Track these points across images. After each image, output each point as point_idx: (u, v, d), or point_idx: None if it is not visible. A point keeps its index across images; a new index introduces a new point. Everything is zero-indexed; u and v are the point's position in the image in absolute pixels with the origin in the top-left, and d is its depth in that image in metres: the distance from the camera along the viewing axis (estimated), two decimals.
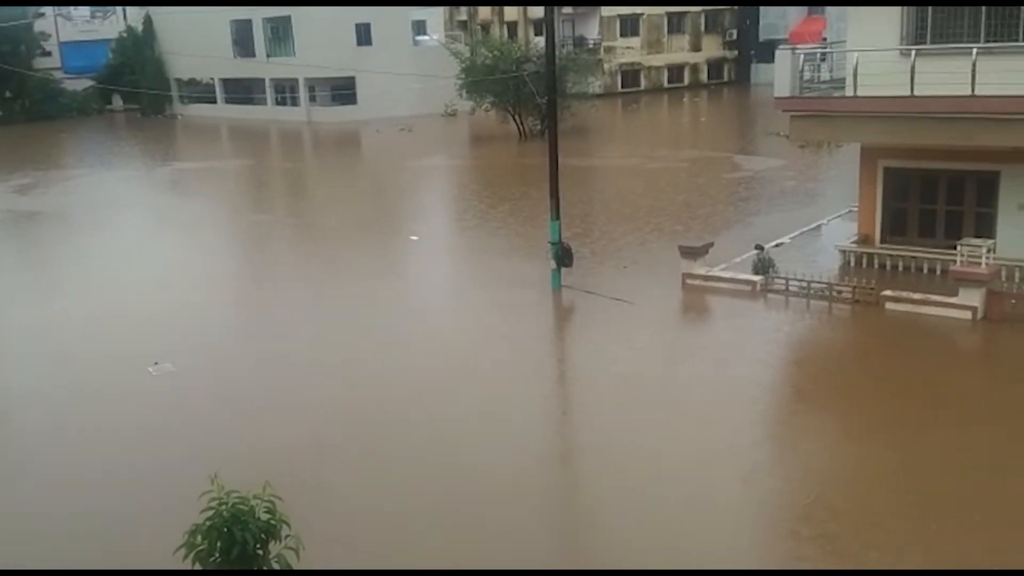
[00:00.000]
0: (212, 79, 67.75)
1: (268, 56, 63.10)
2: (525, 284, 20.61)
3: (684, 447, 12.47)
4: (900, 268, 20.13)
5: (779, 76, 19.89)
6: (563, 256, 19.94)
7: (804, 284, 18.82)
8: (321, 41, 58.54)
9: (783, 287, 19.12)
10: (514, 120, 48.68)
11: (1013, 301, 16.93)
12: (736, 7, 72.95)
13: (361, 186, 38.20)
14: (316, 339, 17.71)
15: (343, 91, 61.73)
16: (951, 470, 11.67)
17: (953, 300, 17.23)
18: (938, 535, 10.21)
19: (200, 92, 68.83)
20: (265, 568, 6.84)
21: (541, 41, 40.28)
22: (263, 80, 64.31)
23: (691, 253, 20.29)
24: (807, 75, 20.50)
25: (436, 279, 23.16)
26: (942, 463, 11.89)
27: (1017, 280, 18.15)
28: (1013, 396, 13.98)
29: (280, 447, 12.81)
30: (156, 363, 16.11)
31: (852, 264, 20.74)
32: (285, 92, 64.09)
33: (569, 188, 31.97)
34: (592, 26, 70.11)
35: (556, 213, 19.94)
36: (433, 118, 56.27)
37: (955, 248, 17.88)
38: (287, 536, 6.82)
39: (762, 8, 70.35)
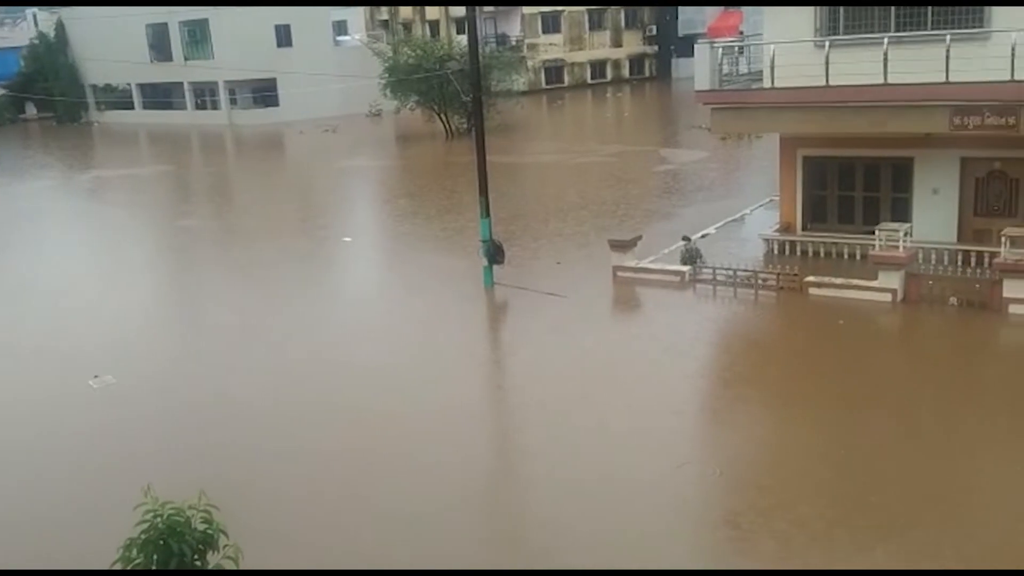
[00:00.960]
0: (129, 84, 66.25)
1: (186, 59, 61.92)
2: (458, 282, 20.62)
3: (619, 434, 12.61)
4: (822, 254, 20.65)
5: (699, 70, 20.24)
6: (494, 253, 20.00)
7: (730, 273, 19.20)
8: (240, 43, 57.66)
9: (710, 277, 19.46)
10: (440, 119, 48.59)
11: (930, 282, 17.50)
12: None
13: (288, 189, 37.74)
14: (252, 343, 17.50)
15: (264, 93, 60.90)
16: (871, 448, 12.01)
17: (873, 283, 17.74)
18: (856, 510, 10.51)
19: (117, 98, 67.23)
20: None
21: (464, 39, 40.35)
22: (181, 84, 63.08)
23: (620, 246, 20.53)
24: (726, 69, 20.91)
25: (368, 280, 23.04)
26: (862, 441, 12.22)
27: (933, 262, 18.76)
28: (931, 375, 14.47)
29: (219, 454, 12.63)
30: (96, 376, 15.78)
31: (776, 252, 21.21)
32: (205, 95, 62.95)
33: (498, 185, 32.05)
34: (514, 23, 70.39)
35: (486, 211, 19.99)
36: (357, 118, 55.83)
37: (873, 233, 18.39)
38: (225, 545, 6.73)
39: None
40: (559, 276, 20.75)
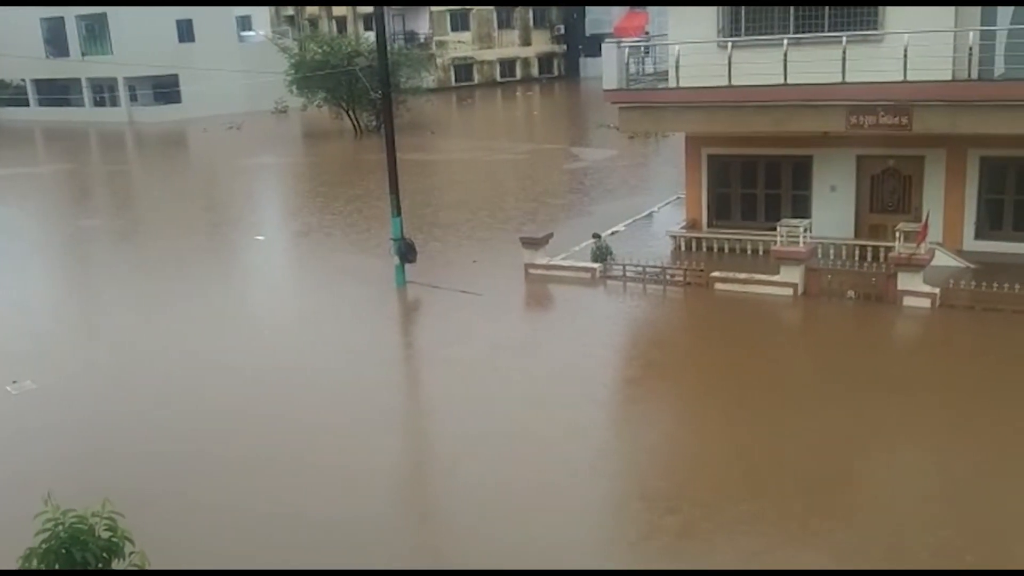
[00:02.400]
0: (23, 80, 63.80)
1: (84, 55, 59.94)
2: (370, 281, 20.47)
3: (532, 431, 12.70)
4: (727, 250, 21.15)
5: (606, 69, 20.52)
6: (406, 252, 19.91)
7: (640, 269, 19.52)
8: (140, 38, 56.07)
9: (620, 273, 19.76)
10: (348, 116, 48.13)
11: (829, 276, 18.08)
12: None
13: (194, 188, 36.86)
14: (160, 345, 17.05)
15: (166, 89, 59.41)
16: (771, 434, 12.37)
17: (776, 278, 18.26)
18: (761, 497, 10.83)
19: (10, 95, 64.74)
20: None
21: (372, 36, 40.01)
22: (79, 80, 61.07)
23: (532, 244, 20.68)
24: (632, 68, 21.25)
25: (279, 279, 22.69)
26: (764, 428, 12.58)
27: (832, 257, 19.40)
28: (829, 364, 14.94)
29: (123, 461, 12.28)
30: (15, 381, 15.19)
31: (683, 248, 21.64)
32: (104, 92, 61.07)
33: (410, 183, 31.95)
34: (422, 21, 70.16)
35: (397, 209, 19.88)
36: (263, 115, 54.88)
37: (775, 229, 18.92)
38: (131, 553, 6.57)
39: None
40: (472, 274, 20.79)
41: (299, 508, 10.94)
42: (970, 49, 17.79)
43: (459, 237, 24.83)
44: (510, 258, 21.15)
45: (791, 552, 9.59)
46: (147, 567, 6.60)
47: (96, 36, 60.00)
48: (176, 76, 57.75)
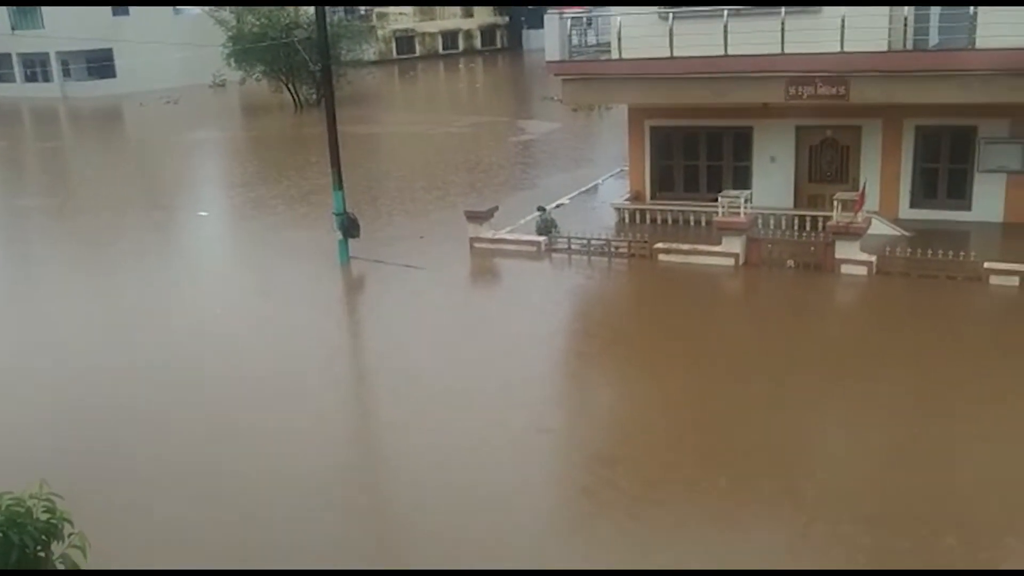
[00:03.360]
0: None
1: (13, 29, 58.07)
2: (313, 257, 20.27)
3: (478, 402, 12.73)
4: (670, 221, 21.32)
5: (549, 41, 20.47)
6: (349, 227, 19.72)
7: (584, 242, 19.60)
8: (73, 12, 54.52)
9: (565, 246, 19.82)
10: (288, 89, 47.45)
11: (769, 246, 18.34)
12: None
13: (133, 163, 36.02)
14: (102, 322, 16.75)
15: (100, 64, 57.95)
16: (714, 400, 12.57)
17: (718, 248, 18.47)
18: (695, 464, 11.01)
19: None
20: (50, 569, 6.47)
21: (311, 7, 39.34)
22: (10, 55, 59.26)
23: (477, 217, 20.64)
24: (575, 40, 21.21)
25: (220, 256, 22.36)
26: (706, 394, 12.77)
27: (772, 227, 19.67)
28: (770, 331, 15.20)
29: (62, 446, 12.05)
30: None
31: (627, 220, 21.76)
32: (36, 67, 59.35)
33: (353, 157, 31.62)
34: None
35: (339, 183, 19.66)
36: (201, 89, 53.85)
37: (717, 200, 19.12)
38: (71, 534, 6.45)
39: None
40: (417, 249, 20.69)
41: (243, 488, 10.85)
42: (905, 20, 18.09)
43: (403, 211, 24.68)
44: (455, 232, 21.08)
45: (728, 505, 9.77)
46: (87, 549, 6.50)
47: (26, 9, 58.18)
48: (110, 50, 56.35)
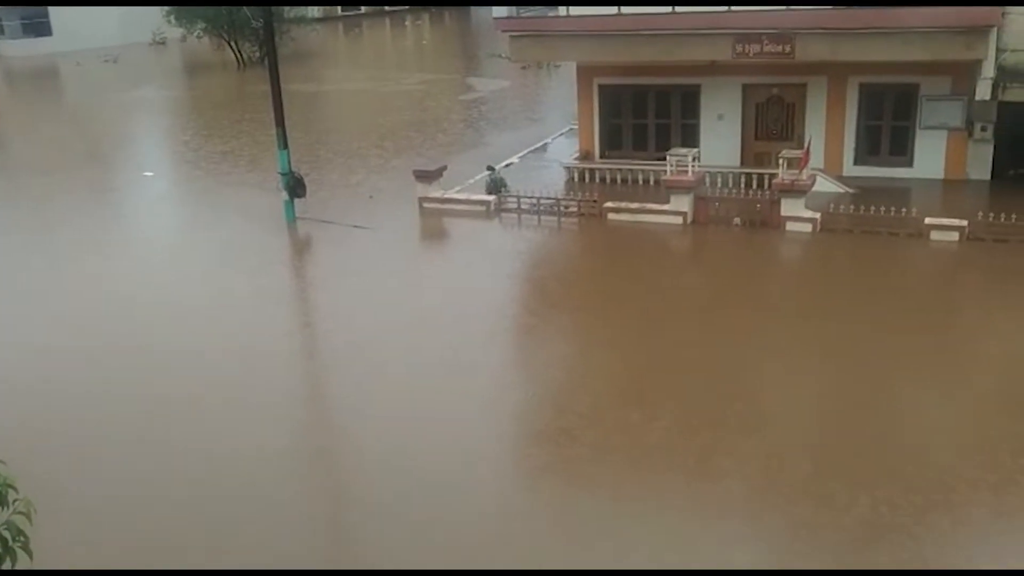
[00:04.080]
0: None
1: None
2: (259, 217, 19.98)
3: (431, 361, 12.72)
4: (619, 180, 21.39)
5: None
6: (295, 186, 19.47)
7: (534, 201, 19.57)
8: None
9: (515, 205, 19.78)
10: (230, 47, 46.43)
11: (717, 204, 18.50)
12: None
13: (73, 124, 35.00)
14: (44, 284, 16.36)
15: (35, 21, 56.05)
16: (666, 353, 12.73)
17: (666, 207, 18.58)
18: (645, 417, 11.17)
19: None
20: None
21: None
22: None
23: (426, 177, 20.49)
24: None
25: (164, 216, 21.92)
26: (659, 348, 12.93)
27: (720, 185, 19.82)
28: (718, 289, 15.38)
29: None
30: None
31: (576, 179, 21.78)
32: None
33: (299, 115, 31.16)
34: None
35: (283, 142, 19.35)
36: (140, 48, 52.49)
37: (665, 159, 19.19)
38: (15, 500, 6.35)
39: None
40: (365, 208, 20.51)
41: (190, 458, 10.76)
42: None
43: (352, 171, 24.40)
44: (404, 192, 20.93)
45: (676, 448, 9.93)
46: (32, 515, 6.41)
47: None
48: (46, 8, 54.49)
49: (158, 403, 11.89)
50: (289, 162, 19.45)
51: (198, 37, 47.76)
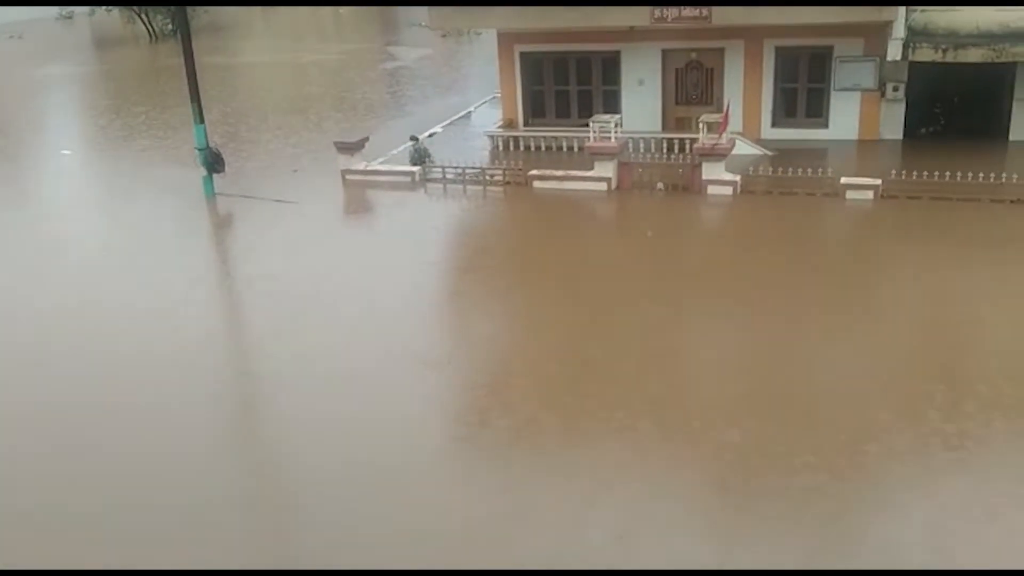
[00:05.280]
0: None
1: None
2: (177, 193, 19.54)
3: (358, 335, 12.65)
4: (543, 148, 21.42)
5: None
6: (213, 162, 19.08)
7: (459, 171, 19.51)
8: None
9: (440, 175, 19.70)
10: (141, 20, 45.05)
11: (640, 170, 18.68)
12: None
13: None
14: None
15: None
16: (592, 317, 12.88)
17: (590, 173, 18.69)
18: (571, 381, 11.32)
19: None
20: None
21: None
22: None
23: (348, 149, 20.26)
24: None
25: (79, 193, 21.30)
26: (585, 311, 13.06)
27: (642, 150, 20.01)
28: (641, 252, 15.57)
29: None
30: None
31: (501, 148, 21.76)
32: None
33: (217, 89, 30.50)
34: None
35: (199, 117, 18.91)
36: (46, 23, 50.58)
37: (588, 125, 19.28)
38: None
39: None
40: (287, 182, 20.20)
41: (106, 449, 10.57)
42: None
43: (273, 144, 23.99)
44: (327, 165, 20.67)
45: (602, 416, 10.10)
46: None
47: None
48: None
49: (75, 393, 11.60)
50: (206, 137, 19.03)
51: (107, 11, 46.25)
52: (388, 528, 8.64)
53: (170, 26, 42.85)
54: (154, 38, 44.37)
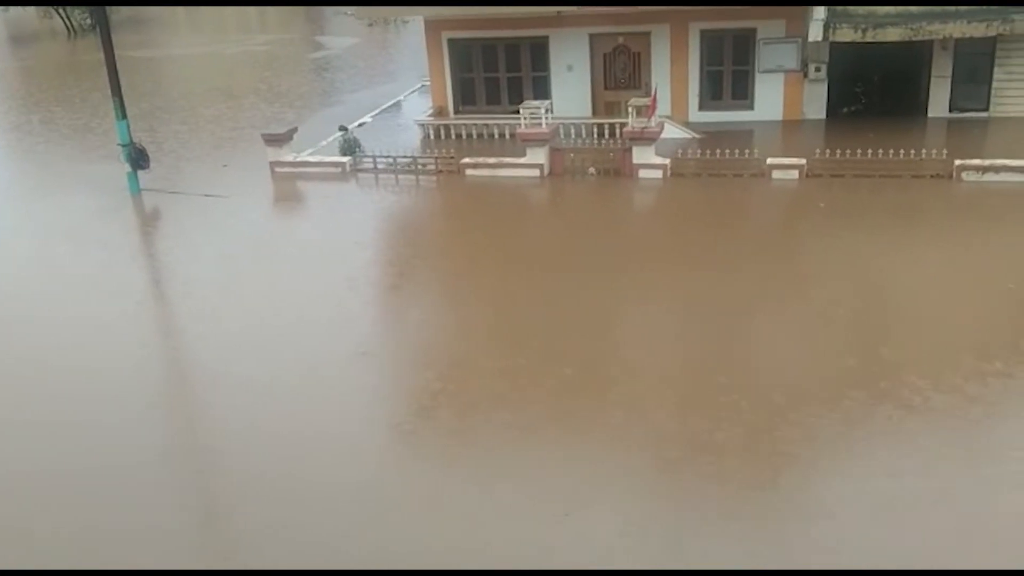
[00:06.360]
0: None
1: None
2: (102, 191, 19.08)
3: (295, 328, 12.53)
4: (475, 136, 21.40)
5: None
6: (137, 158, 18.69)
7: (390, 160, 19.40)
8: None
9: (371, 165, 19.56)
10: (59, 14, 43.79)
11: (572, 155, 18.78)
12: None
13: None
14: None
15: None
16: (532, 300, 12.96)
17: (523, 160, 18.74)
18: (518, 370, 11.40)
19: None
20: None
21: None
22: None
23: (276, 140, 20.01)
24: None
25: (11, 192, 20.68)
26: (524, 296, 13.14)
27: (573, 136, 20.11)
28: (576, 236, 15.68)
29: None
30: None
31: (432, 136, 21.67)
32: None
33: (141, 83, 29.86)
34: None
35: (122, 113, 18.48)
36: None
37: (519, 112, 19.31)
38: None
39: None
40: (215, 176, 19.87)
41: (33, 451, 10.34)
42: None
43: (199, 138, 23.57)
44: (255, 157, 20.39)
45: (539, 395, 10.19)
46: None
47: None
48: None
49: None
50: (130, 133, 18.63)
51: (22, 5, 44.83)
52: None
53: (89, 21, 41.75)
54: (73, 33, 43.20)
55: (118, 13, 36.93)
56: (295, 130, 20.56)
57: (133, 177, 18.70)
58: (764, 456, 9.10)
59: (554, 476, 9.01)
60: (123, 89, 18.66)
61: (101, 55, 18.97)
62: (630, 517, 8.35)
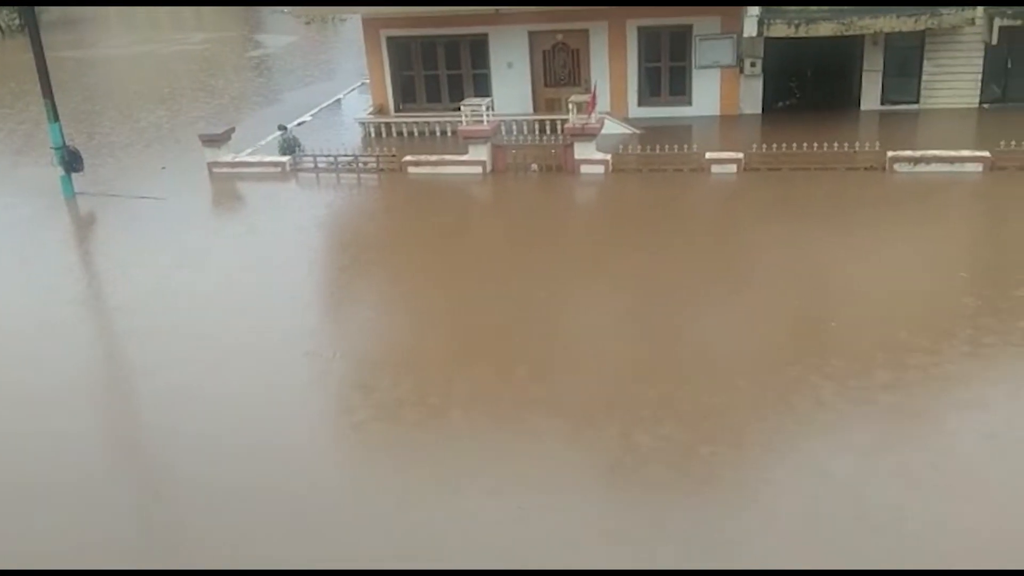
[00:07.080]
0: None
1: None
2: (34, 195, 18.66)
3: (242, 331, 12.39)
4: (416, 134, 21.36)
5: None
6: (71, 160, 18.31)
7: (331, 159, 19.27)
8: None
9: (312, 165, 19.41)
10: None
11: (514, 152, 18.84)
12: None
13: None
14: None
15: None
16: (476, 298, 12.99)
17: (465, 157, 18.75)
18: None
19: None
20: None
21: None
22: None
23: (213, 141, 19.76)
24: None
25: None
26: (467, 294, 13.17)
27: (515, 132, 20.17)
28: (519, 231, 15.75)
29: None
30: None
31: (373, 135, 21.58)
32: None
33: (74, 84, 29.25)
34: None
35: (54, 115, 18.09)
36: None
37: (460, 109, 19.31)
38: None
39: None
40: (152, 178, 19.55)
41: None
42: None
43: (135, 139, 23.15)
44: (193, 158, 20.10)
45: (488, 380, 10.24)
46: None
47: None
48: None
49: None
50: (62, 135, 18.25)
51: None
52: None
53: (17, 21, 40.74)
54: (1, 34, 42.14)
55: (48, 13, 36.08)
56: (233, 130, 20.32)
57: (67, 180, 18.32)
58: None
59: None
60: (56, 90, 18.28)
61: (31, 55, 18.53)
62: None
